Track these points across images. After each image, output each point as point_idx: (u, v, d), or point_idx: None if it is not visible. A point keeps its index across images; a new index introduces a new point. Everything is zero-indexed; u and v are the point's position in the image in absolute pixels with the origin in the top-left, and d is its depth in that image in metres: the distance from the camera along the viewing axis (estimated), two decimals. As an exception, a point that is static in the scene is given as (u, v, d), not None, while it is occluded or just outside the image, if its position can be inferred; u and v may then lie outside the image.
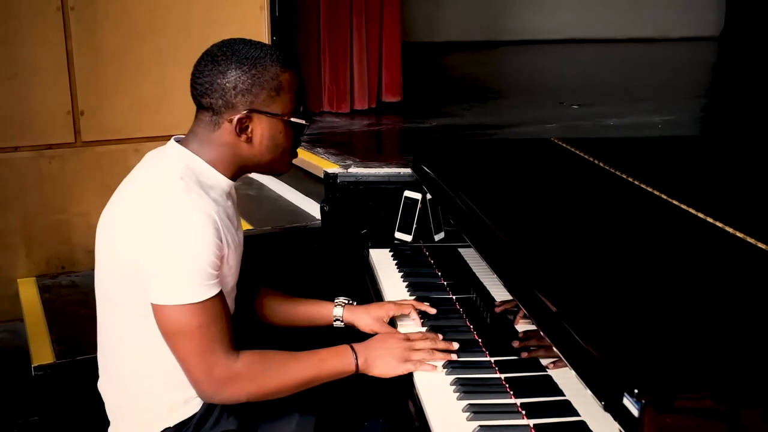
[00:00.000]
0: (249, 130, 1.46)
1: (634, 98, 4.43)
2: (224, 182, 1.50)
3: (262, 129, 1.47)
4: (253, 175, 3.16)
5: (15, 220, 2.79)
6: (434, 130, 3.36)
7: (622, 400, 0.95)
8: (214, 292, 1.40)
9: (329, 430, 1.58)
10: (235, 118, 1.44)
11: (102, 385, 1.59)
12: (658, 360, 1.00)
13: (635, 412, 0.93)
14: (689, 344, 1.05)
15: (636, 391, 0.91)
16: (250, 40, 1.49)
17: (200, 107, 1.48)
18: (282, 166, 1.57)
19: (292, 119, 1.50)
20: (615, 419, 0.98)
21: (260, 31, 3.07)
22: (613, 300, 1.21)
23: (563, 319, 1.14)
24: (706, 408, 0.94)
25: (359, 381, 1.55)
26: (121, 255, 1.42)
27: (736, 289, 1.27)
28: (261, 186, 3.01)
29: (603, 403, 0.99)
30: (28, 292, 2.76)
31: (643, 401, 0.92)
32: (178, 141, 1.51)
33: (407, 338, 1.57)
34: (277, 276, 1.93)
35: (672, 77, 5.53)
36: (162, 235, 1.37)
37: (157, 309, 1.38)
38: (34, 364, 2.23)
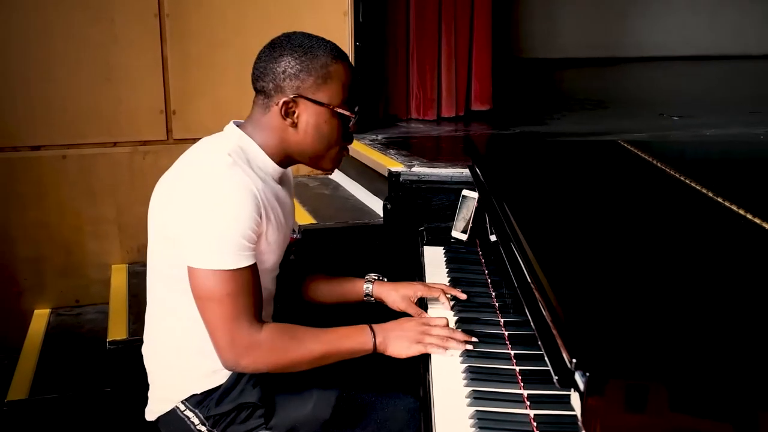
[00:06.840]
0: (295, 115, 1.52)
1: (746, 112, 4.20)
2: (271, 166, 1.57)
3: (308, 116, 1.52)
4: (331, 176, 3.27)
5: (110, 210, 3.03)
6: (515, 136, 3.33)
7: (573, 376, 0.94)
8: (247, 263, 1.45)
9: (351, 406, 1.59)
10: (282, 100, 1.51)
11: (144, 349, 1.69)
12: (613, 342, 0.98)
13: (581, 386, 0.91)
14: (655, 333, 1.02)
15: (574, 360, 0.89)
16: (310, 34, 1.56)
17: (256, 91, 1.56)
18: (326, 161, 1.60)
19: (337, 109, 1.53)
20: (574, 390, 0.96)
21: (343, 37, 3.16)
22: (598, 287, 1.18)
23: (538, 291, 1.13)
24: (644, 395, 0.90)
25: (385, 360, 1.56)
26: (166, 221, 1.50)
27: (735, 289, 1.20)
28: (337, 186, 3.10)
29: (556, 378, 0.98)
30: (119, 277, 2.99)
31: (588, 375, 0.90)
32: (237, 125, 1.59)
33: (426, 323, 1.58)
34: (337, 271, 1.99)
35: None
36: (202, 202, 1.44)
37: (191, 272, 1.45)
38: (109, 339, 2.42)
